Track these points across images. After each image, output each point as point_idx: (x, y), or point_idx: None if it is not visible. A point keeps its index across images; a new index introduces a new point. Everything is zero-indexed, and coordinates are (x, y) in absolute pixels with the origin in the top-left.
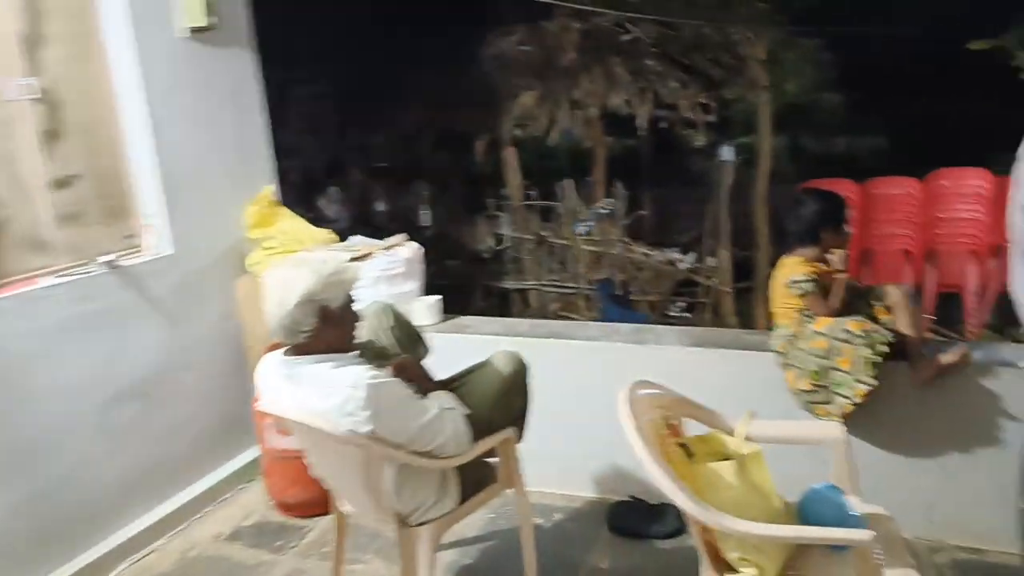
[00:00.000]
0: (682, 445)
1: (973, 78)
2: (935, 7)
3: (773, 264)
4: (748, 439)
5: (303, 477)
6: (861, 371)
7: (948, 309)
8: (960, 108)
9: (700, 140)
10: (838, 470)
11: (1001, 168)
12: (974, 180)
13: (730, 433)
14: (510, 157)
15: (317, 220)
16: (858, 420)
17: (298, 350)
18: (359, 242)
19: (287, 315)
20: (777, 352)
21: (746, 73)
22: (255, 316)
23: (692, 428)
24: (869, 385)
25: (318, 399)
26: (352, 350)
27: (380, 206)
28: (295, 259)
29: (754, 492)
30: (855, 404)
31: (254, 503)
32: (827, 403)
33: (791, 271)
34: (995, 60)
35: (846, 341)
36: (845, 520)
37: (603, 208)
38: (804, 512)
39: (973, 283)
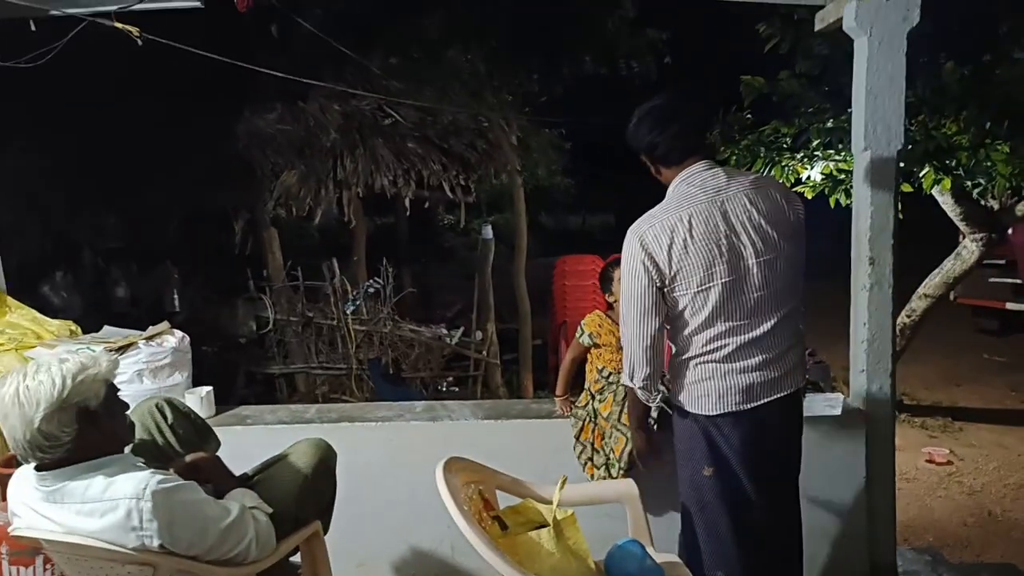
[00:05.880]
0: (496, 518)
1: None
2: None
3: (536, 336)
4: (559, 504)
5: None
6: (625, 461)
7: None
8: None
9: (460, 219)
10: (635, 525)
11: None
12: None
13: (542, 500)
14: (271, 237)
15: (42, 310)
16: (643, 474)
17: (57, 463)
18: (113, 332)
19: (36, 433)
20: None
21: (499, 157)
22: None
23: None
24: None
25: (91, 518)
26: (122, 448)
27: (120, 291)
28: (25, 368)
29: (572, 556)
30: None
31: None
32: (599, 469)
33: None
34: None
35: (620, 432)
36: (645, 571)
37: (371, 287)
38: (610, 569)
39: None
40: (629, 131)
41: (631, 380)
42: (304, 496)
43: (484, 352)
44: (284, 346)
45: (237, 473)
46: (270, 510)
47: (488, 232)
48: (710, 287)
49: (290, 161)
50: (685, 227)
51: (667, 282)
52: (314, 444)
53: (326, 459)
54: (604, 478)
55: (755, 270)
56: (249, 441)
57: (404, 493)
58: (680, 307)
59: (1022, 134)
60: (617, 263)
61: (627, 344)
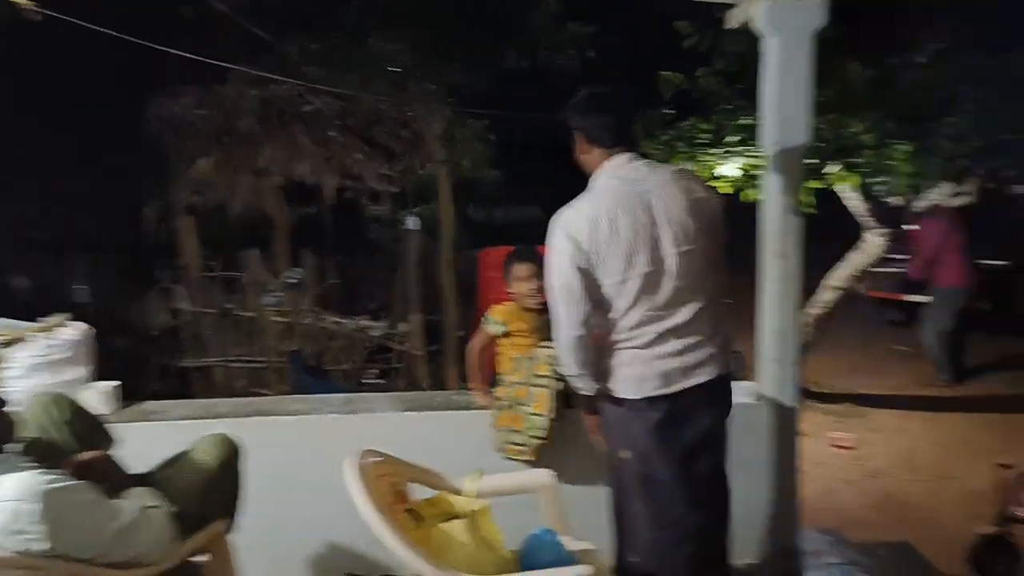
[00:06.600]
0: (410, 511)
1: None
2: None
3: (461, 327)
4: (477, 495)
5: None
6: (551, 408)
7: None
8: None
9: (383, 210)
10: (551, 514)
11: None
12: None
13: (456, 492)
14: (186, 226)
15: None
16: (560, 462)
17: None
18: (2, 325)
19: None
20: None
21: (424, 148)
22: None
23: (418, 492)
24: (552, 419)
25: None
26: (1, 448)
27: (21, 282)
28: None
29: (485, 547)
30: (544, 441)
31: None
32: (522, 445)
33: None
34: None
35: (539, 386)
36: (559, 560)
37: (291, 278)
38: (525, 558)
39: None
40: (569, 107)
41: (569, 370)
42: (208, 494)
43: (408, 344)
44: (200, 339)
45: (139, 472)
46: (172, 509)
47: (413, 223)
48: (629, 276)
49: (206, 147)
50: (607, 218)
51: (591, 270)
52: (218, 440)
53: (231, 455)
54: (535, 439)
55: (674, 260)
56: (153, 438)
57: (320, 488)
58: (603, 294)
59: (923, 135)
60: (516, 256)
61: (559, 333)
